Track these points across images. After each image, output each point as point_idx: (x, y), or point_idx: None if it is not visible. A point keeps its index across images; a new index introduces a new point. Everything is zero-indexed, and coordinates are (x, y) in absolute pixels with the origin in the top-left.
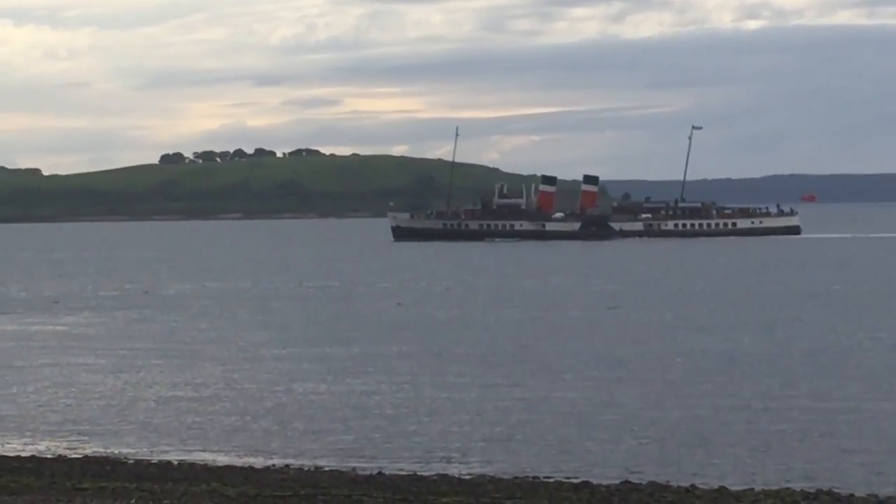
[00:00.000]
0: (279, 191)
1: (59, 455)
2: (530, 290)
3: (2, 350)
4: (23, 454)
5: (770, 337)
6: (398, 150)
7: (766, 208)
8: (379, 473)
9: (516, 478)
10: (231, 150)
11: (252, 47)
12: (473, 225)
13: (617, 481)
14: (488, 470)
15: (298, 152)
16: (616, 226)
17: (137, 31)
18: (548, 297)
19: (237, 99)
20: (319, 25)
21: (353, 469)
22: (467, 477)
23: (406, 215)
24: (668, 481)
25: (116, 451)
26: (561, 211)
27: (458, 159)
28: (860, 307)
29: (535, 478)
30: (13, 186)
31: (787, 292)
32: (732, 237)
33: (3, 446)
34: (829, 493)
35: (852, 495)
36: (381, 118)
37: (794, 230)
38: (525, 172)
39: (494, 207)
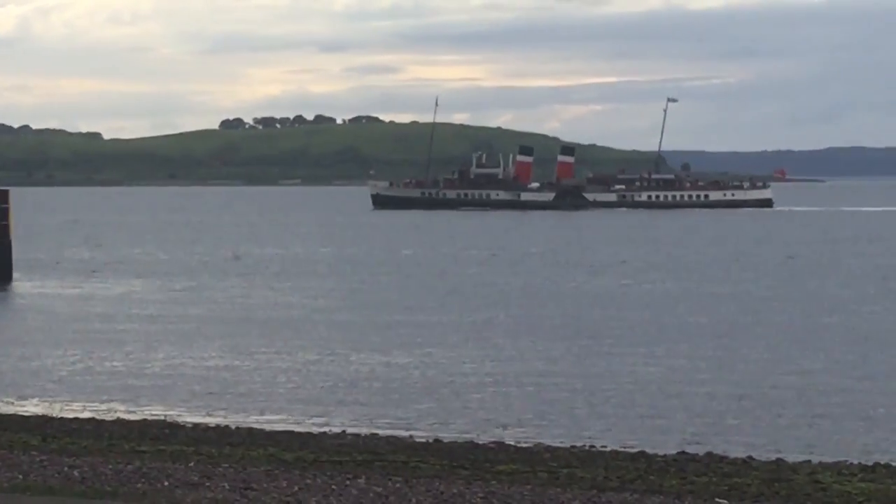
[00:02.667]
0: (338, 157)
1: (118, 418)
2: (584, 259)
3: (62, 313)
4: (81, 416)
5: (835, 312)
6: (459, 118)
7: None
8: (435, 440)
9: (573, 447)
10: (291, 117)
11: (315, 13)
12: (451, 194)
13: (674, 451)
14: (545, 438)
15: (358, 119)
16: (590, 196)
17: None
18: (596, 266)
19: (299, 65)
20: None
21: (410, 435)
22: (524, 445)
23: (385, 183)
24: (725, 452)
25: (175, 415)
26: (537, 181)
27: (517, 128)
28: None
29: (591, 447)
30: (74, 150)
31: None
32: (705, 209)
33: (63, 408)
34: (887, 466)
35: None
36: (443, 86)
37: (767, 203)
38: (585, 142)
39: (472, 177)
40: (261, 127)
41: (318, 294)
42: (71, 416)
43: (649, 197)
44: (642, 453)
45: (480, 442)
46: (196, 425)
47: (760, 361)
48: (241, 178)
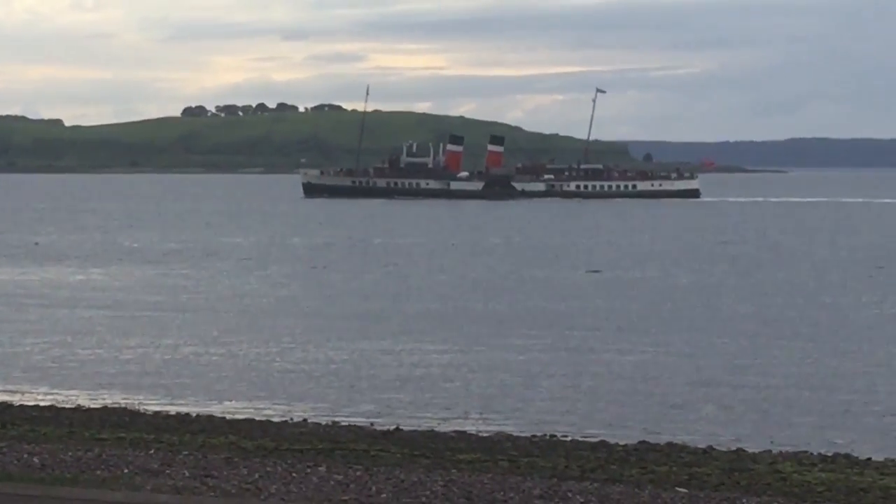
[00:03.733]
0: (301, 146)
1: (79, 405)
2: (549, 249)
3: (24, 299)
4: (42, 403)
5: (793, 301)
6: (421, 106)
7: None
8: (397, 429)
9: (534, 436)
10: (253, 105)
11: (278, 1)
12: (381, 183)
13: (634, 441)
14: (506, 427)
15: (321, 107)
16: (518, 186)
17: None
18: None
19: (262, 53)
20: None
21: (371, 424)
22: (485, 434)
23: (316, 172)
24: (685, 442)
25: (135, 402)
26: (467, 170)
27: (480, 117)
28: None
29: (552, 436)
30: (35, 137)
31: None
32: (633, 199)
33: (22, 395)
34: (847, 456)
35: (869, 459)
36: (405, 74)
37: (694, 193)
38: (547, 132)
39: (402, 166)
40: (223, 115)
41: (278, 283)
42: (31, 403)
43: (577, 187)
44: (603, 443)
45: (441, 431)
46: (157, 413)
47: (721, 351)
48: (203, 166)
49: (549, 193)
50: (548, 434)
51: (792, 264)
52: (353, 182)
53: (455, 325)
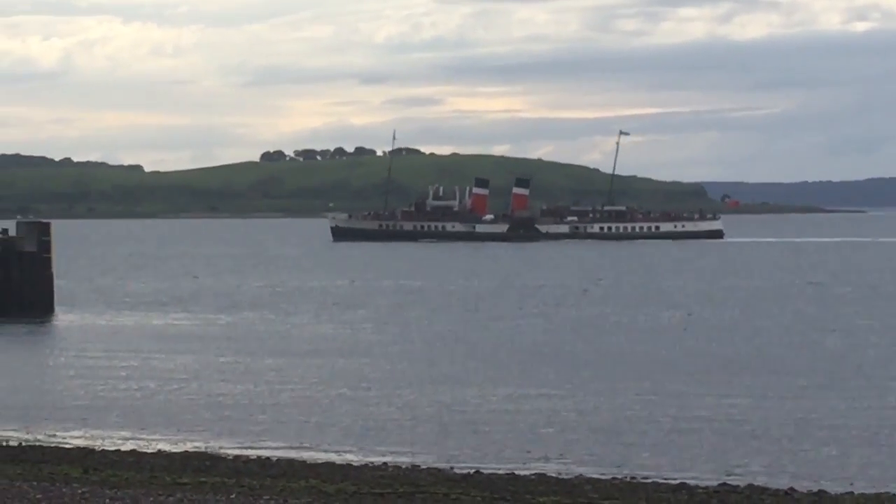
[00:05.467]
0: (379, 189)
1: (160, 450)
2: (627, 292)
3: (104, 346)
4: (123, 448)
5: (877, 342)
6: (499, 149)
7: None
8: (476, 472)
9: (614, 478)
10: (331, 149)
11: (357, 46)
12: (408, 226)
13: (715, 483)
14: (586, 470)
15: (398, 151)
16: (543, 228)
17: (243, 29)
18: (639, 297)
19: (340, 97)
20: (425, 24)
21: (451, 467)
22: (565, 477)
23: (344, 216)
24: (766, 484)
25: (216, 447)
26: (493, 213)
27: (558, 159)
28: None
29: (632, 478)
30: (115, 182)
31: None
32: (657, 240)
33: (104, 440)
34: None
35: None
36: (483, 118)
37: (717, 234)
38: (626, 174)
39: (428, 209)
40: (301, 159)
41: (354, 326)
42: (112, 448)
43: (601, 228)
44: (683, 485)
45: (522, 474)
46: (237, 457)
47: (800, 392)
48: (281, 210)
49: (572, 235)
50: (628, 476)
51: (876, 305)
52: (381, 225)
53: (534, 368)
